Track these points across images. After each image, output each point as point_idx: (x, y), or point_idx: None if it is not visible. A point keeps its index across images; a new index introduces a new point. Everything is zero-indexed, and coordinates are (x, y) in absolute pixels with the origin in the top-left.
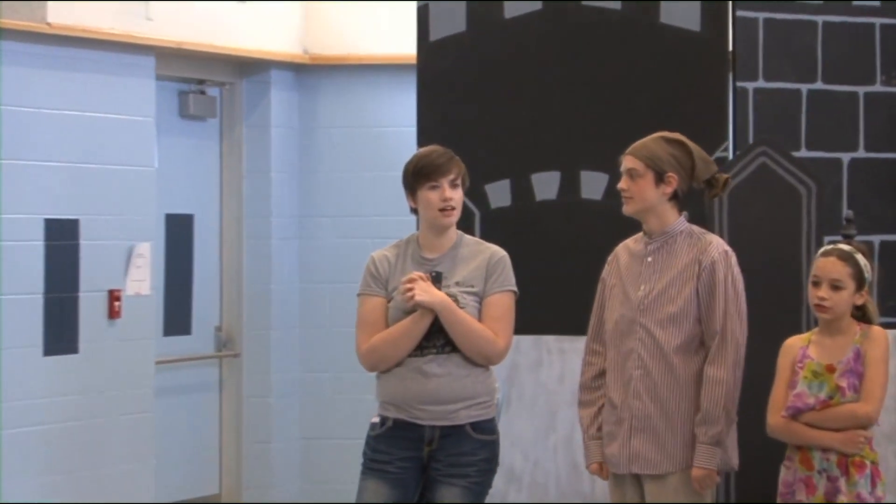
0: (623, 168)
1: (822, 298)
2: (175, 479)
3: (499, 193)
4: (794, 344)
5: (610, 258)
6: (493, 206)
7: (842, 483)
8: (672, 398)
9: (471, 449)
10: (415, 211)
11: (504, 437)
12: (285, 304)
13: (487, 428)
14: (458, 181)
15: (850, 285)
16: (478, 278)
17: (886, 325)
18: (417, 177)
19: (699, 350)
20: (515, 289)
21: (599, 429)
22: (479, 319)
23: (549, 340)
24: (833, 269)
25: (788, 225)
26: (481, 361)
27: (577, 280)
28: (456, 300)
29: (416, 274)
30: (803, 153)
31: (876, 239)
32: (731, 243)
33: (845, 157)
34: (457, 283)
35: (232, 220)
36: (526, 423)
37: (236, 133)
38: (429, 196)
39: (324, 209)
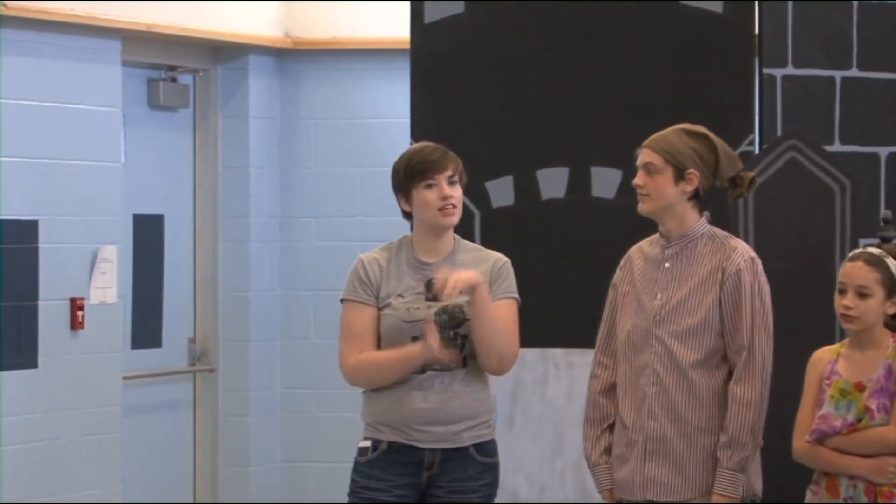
0: (639, 163)
1: (848, 307)
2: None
3: (501, 192)
4: (822, 357)
5: (622, 262)
6: (495, 206)
7: None
8: (692, 418)
9: (475, 473)
10: (408, 215)
11: (507, 460)
12: (265, 314)
13: (490, 450)
14: (456, 178)
15: (880, 293)
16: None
17: None
18: (411, 176)
19: (720, 366)
20: (518, 297)
21: (607, 451)
22: None
23: (557, 354)
24: (860, 274)
25: (820, 226)
26: (494, 368)
27: (588, 287)
28: (462, 311)
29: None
30: (836, 147)
31: None
32: (757, 247)
33: (883, 151)
34: (460, 292)
35: (206, 220)
36: (531, 445)
37: (211, 125)
38: (425, 196)
39: (307, 209)
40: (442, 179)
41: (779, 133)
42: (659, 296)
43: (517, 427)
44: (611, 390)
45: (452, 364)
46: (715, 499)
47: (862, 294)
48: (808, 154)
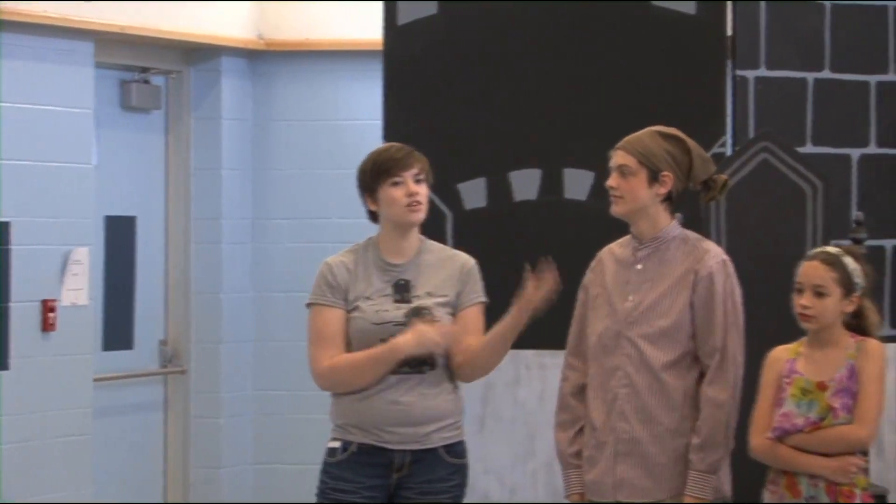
0: (613, 164)
1: (805, 307)
2: None
3: (473, 193)
4: (780, 356)
5: (593, 264)
6: (467, 208)
7: None
8: (664, 419)
9: (444, 474)
10: (373, 215)
11: (478, 462)
12: (237, 316)
13: (459, 451)
14: (423, 176)
15: (836, 291)
16: (449, 287)
17: None
18: (377, 174)
19: (692, 367)
20: (485, 299)
21: (578, 454)
22: None
23: (528, 355)
24: (816, 274)
25: (792, 228)
26: (468, 379)
27: (560, 289)
28: (431, 313)
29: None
30: (809, 149)
31: (888, 243)
32: (729, 248)
33: (855, 152)
34: (428, 294)
35: (178, 222)
36: (502, 447)
37: (183, 126)
38: (392, 193)
39: (280, 210)
40: (408, 177)
41: (751, 135)
42: (631, 297)
43: (488, 428)
44: (581, 392)
45: (446, 341)
46: (686, 500)
47: (819, 293)
48: (781, 156)
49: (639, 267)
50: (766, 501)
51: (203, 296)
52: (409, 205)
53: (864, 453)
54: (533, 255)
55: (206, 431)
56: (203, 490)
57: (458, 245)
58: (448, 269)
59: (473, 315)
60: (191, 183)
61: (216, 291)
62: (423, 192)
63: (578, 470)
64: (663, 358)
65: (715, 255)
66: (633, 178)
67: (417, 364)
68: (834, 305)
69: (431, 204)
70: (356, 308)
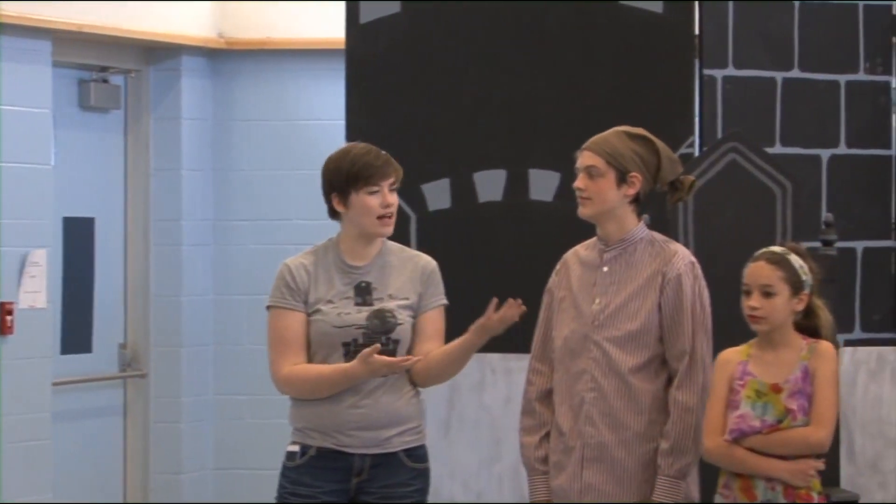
0: (580, 165)
1: (754, 308)
2: None
3: (437, 194)
4: (731, 358)
5: (558, 267)
6: (431, 209)
7: None
8: (631, 424)
9: (405, 479)
10: (335, 214)
11: (443, 466)
12: (197, 319)
13: (420, 455)
14: (396, 185)
15: (784, 290)
16: (411, 290)
17: (871, 342)
18: (354, 179)
19: (660, 371)
20: (446, 301)
21: (545, 460)
22: (415, 334)
23: (494, 359)
24: (762, 274)
25: (761, 230)
26: (425, 386)
27: (525, 291)
28: (394, 316)
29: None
30: (778, 149)
31: (858, 245)
32: (697, 250)
33: (825, 153)
34: (390, 296)
35: (138, 224)
36: (467, 451)
37: (143, 126)
38: (367, 201)
39: (241, 212)
40: (385, 186)
41: (719, 135)
42: (597, 300)
43: (453, 433)
44: (547, 397)
45: (399, 369)
46: None
47: (767, 293)
48: (749, 156)
49: (605, 269)
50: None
51: (163, 298)
52: (381, 216)
53: (820, 456)
54: (498, 256)
55: (166, 436)
56: (163, 495)
57: (421, 247)
58: (410, 271)
59: (434, 318)
60: (150, 184)
61: (176, 294)
62: (395, 202)
63: (544, 476)
64: (631, 361)
65: (683, 256)
66: (601, 179)
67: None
68: (783, 305)
69: None
70: (317, 311)
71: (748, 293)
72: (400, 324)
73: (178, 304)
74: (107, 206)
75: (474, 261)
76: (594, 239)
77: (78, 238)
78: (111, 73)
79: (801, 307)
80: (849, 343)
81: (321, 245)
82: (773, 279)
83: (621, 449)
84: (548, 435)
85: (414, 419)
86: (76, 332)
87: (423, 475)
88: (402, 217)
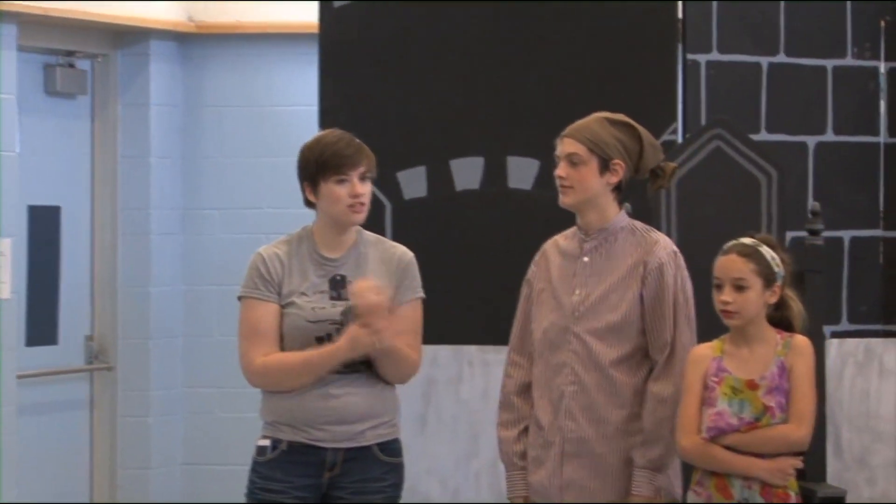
0: (561, 153)
1: (726, 302)
2: None
3: (413, 182)
4: (704, 354)
5: (537, 257)
6: (407, 197)
7: None
8: (612, 418)
9: (379, 474)
10: (311, 204)
11: (419, 462)
12: (166, 310)
13: (394, 449)
14: (368, 174)
15: (757, 283)
16: (386, 283)
17: (859, 333)
18: (322, 168)
19: (642, 364)
20: (423, 294)
21: (523, 455)
22: None
23: (471, 351)
24: (734, 267)
25: (746, 219)
26: (396, 382)
27: (504, 282)
28: None
29: (365, 291)
30: (763, 136)
31: (846, 234)
32: (680, 240)
33: (811, 140)
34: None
35: (105, 212)
36: (444, 447)
37: (110, 112)
38: (335, 191)
39: (211, 200)
40: (354, 176)
41: (703, 121)
42: (577, 291)
43: (430, 428)
44: (525, 391)
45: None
46: (631, 499)
47: (739, 287)
48: (734, 143)
49: (585, 259)
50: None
51: (131, 289)
52: (351, 205)
53: (799, 454)
54: (475, 246)
55: (133, 431)
56: (131, 491)
57: (397, 236)
58: (385, 263)
59: (409, 312)
60: (118, 171)
61: (144, 285)
62: (367, 191)
63: (523, 472)
64: (612, 354)
65: (665, 246)
66: (583, 167)
67: (353, 363)
68: (756, 298)
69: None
70: (291, 304)
71: (719, 287)
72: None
73: (147, 294)
74: (73, 195)
75: (451, 251)
76: (574, 228)
77: (43, 227)
78: (78, 57)
79: (774, 300)
80: (835, 335)
81: (295, 234)
82: (745, 272)
83: (602, 444)
84: (526, 429)
85: (388, 413)
86: (41, 323)
87: (397, 470)
88: (376, 206)
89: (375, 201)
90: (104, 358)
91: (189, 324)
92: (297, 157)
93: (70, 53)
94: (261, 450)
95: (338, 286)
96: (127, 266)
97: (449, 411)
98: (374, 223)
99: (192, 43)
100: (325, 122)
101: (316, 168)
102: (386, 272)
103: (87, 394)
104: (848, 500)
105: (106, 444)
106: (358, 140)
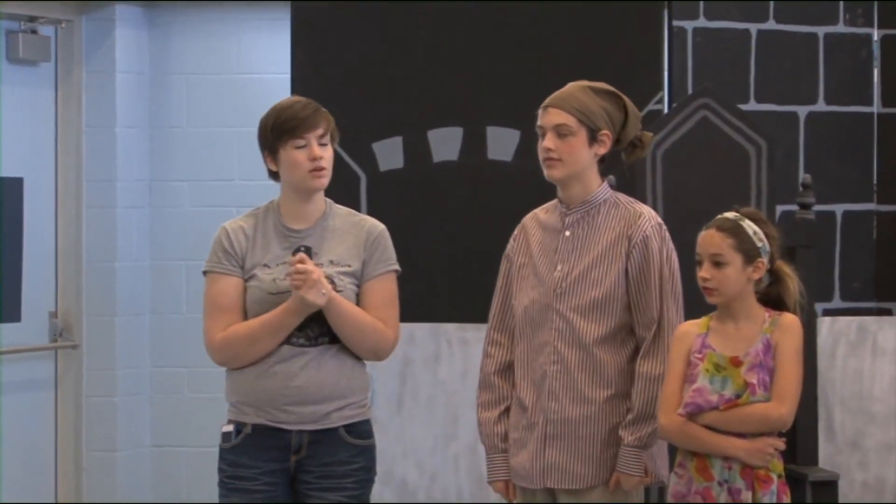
0: (546, 123)
1: (705, 279)
2: (2, 493)
3: (389, 153)
4: (689, 331)
5: (516, 232)
6: (383, 169)
7: (746, 497)
8: (597, 398)
9: (347, 456)
10: (274, 175)
11: (395, 445)
12: (133, 286)
13: (363, 431)
14: (327, 138)
15: (736, 260)
16: (354, 256)
17: (851, 311)
18: (279, 134)
19: (627, 341)
20: (398, 267)
21: (505, 437)
22: (361, 304)
23: (450, 329)
24: (712, 242)
25: (734, 192)
26: (370, 358)
27: (483, 257)
28: (332, 283)
29: (302, 260)
30: (752, 106)
31: (838, 208)
32: (666, 213)
33: (802, 110)
34: (331, 262)
35: (69, 184)
36: (422, 429)
37: (74, 80)
38: (294, 156)
39: (179, 172)
40: (312, 139)
41: (690, 91)
42: (559, 267)
43: (406, 409)
44: (506, 370)
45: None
46: (620, 478)
47: (717, 263)
48: (722, 113)
49: (567, 234)
50: (672, 487)
51: (96, 264)
52: (311, 170)
53: (781, 435)
54: (453, 220)
55: (99, 411)
56: (97, 474)
57: (372, 209)
58: (354, 236)
59: (381, 286)
60: (82, 142)
61: (110, 260)
62: (327, 155)
63: (504, 454)
64: (595, 332)
65: (649, 218)
66: (572, 138)
67: (315, 336)
68: (736, 275)
69: (344, 165)
70: (253, 276)
71: (700, 263)
72: (339, 291)
73: (113, 270)
74: (36, 166)
75: (428, 224)
76: (554, 201)
77: (5, 199)
78: (40, 23)
79: (757, 276)
80: (827, 313)
81: (262, 207)
82: (724, 248)
83: (586, 425)
84: (507, 410)
85: (356, 393)
86: (4, 300)
87: (367, 452)
88: (351, 178)
89: (350, 173)
90: (68, 336)
91: (156, 300)
92: (258, 130)
93: (33, 19)
94: (225, 436)
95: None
96: (92, 240)
97: (426, 392)
98: (348, 196)
99: (160, 8)
100: (296, 90)
101: (273, 135)
102: (354, 244)
103: (52, 373)
104: (841, 484)
105: (70, 426)
106: (316, 103)
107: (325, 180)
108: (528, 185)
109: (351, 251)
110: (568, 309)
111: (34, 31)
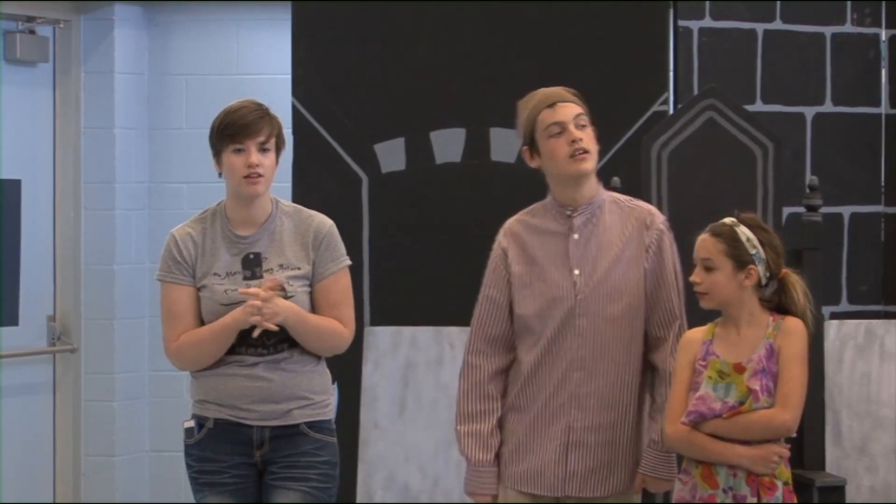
0: (566, 117)
1: (696, 283)
2: (1, 497)
3: (391, 155)
4: (695, 338)
5: (503, 239)
6: (385, 171)
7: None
8: (623, 405)
9: (310, 449)
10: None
11: (398, 450)
12: (132, 289)
13: (325, 428)
14: (270, 144)
15: (726, 265)
16: (303, 258)
17: (859, 314)
18: (221, 137)
19: (640, 343)
20: (349, 261)
21: (496, 450)
22: (315, 304)
23: (452, 333)
24: (703, 247)
25: (740, 193)
26: (328, 355)
27: (485, 259)
28: (283, 289)
29: (256, 292)
30: (758, 107)
31: (845, 210)
32: (672, 215)
33: (809, 111)
34: (281, 266)
35: (67, 186)
36: (424, 433)
37: (73, 81)
38: (232, 160)
39: (178, 174)
40: (251, 145)
41: (695, 91)
42: (576, 272)
43: (409, 413)
44: (494, 380)
45: (276, 287)
46: (656, 484)
47: (707, 268)
48: (728, 114)
49: (576, 237)
50: (676, 493)
51: (94, 267)
52: (246, 176)
53: (788, 441)
54: (456, 222)
55: (98, 415)
56: (96, 479)
57: (374, 212)
58: (301, 237)
59: (334, 285)
60: (81, 143)
61: (109, 263)
62: (266, 162)
63: (495, 468)
64: (619, 335)
65: (657, 215)
66: (590, 129)
67: (273, 343)
68: (725, 280)
69: (345, 167)
70: (204, 287)
71: (695, 267)
72: (290, 296)
73: (111, 273)
74: (34, 168)
75: (431, 227)
76: (539, 206)
77: (3, 201)
78: (38, 23)
79: (749, 283)
80: (835, 316)
81: (210, 210)
82: (714, 253)
83: (613, 431)
84: (498, 421)
85: (317, 395)
86: (2, 303)
87: (330, 448)
88: (353, 179)
89: (352, 175)
90: (67, 339)
91: (155, 303)
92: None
93: (31, 19)
94: (188, 432)
95: (251, 265)
96: (90, 243)
97: (429, 395)
98: (350, 198)
99: (159, 8)
100: (297, 91)
101: (217, 137)
102: (302, 246)
103: (50, 377)
104: (848, 489)
105: (69, 430)
106: (266, 107)
107: (261, 187)
108: (531, 186)
109: (298, 254)
110: (593, 314)
111: (32, 32)
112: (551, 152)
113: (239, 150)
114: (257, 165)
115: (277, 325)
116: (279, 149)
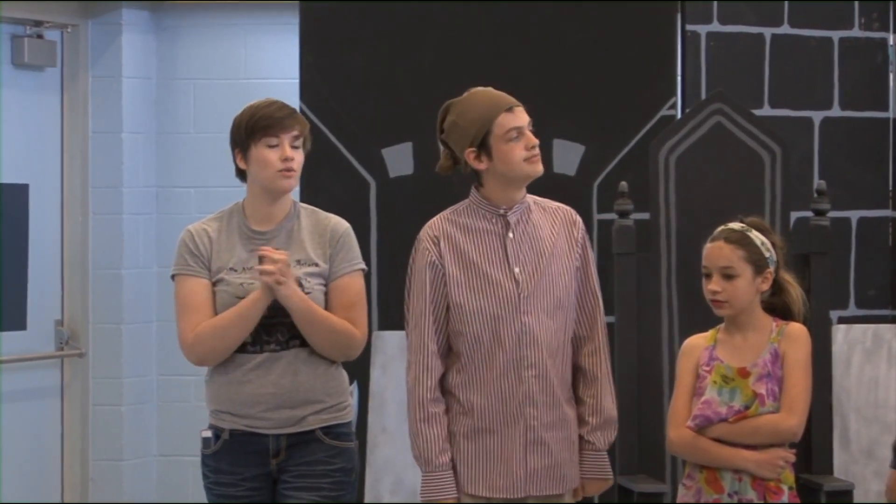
0: (523, 122)
1: (715, 292)
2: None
3: (399, 159)
4: (697, 344)
5: (432, 242)
6: (393, 175)
7: None
8: (566, 401)
9: (325, 456)
10: (241, 174)
11: (405, 453)
12: (139, 293)
13: (342, 433)
14: (300, 141)
15: (747, 271)
16: (321, 256)
17: (866, 319)
18: (252, 131)
19: (571, 341)
20: (364, 266)
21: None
22: (328, 305)
23: None
24: (721, 255)
25: (748, 198)
26: (339, 359)
27: None
28: (300, 285)
29: (270, 251)
30: (766, 111)
31: (853, 215)
32: (679, 219)
33: (817, 115)
34: (298, 262)
35: (75, 191)
36: None
37: (80, 85)
38: (266, 155)
39: (186, 178)
40: (285, 140)
41: (703, 96)
42: (517, 270)
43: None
44: (443, 382)
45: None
46: (594, 486)
47: (727, 276)
48: (735, 119)
49: (511, 236)
50: (680, 497)
51: (102, 272)
52: (281, 170)
53: (793, 445)
54: None
55: (106, 420)
56: (103, 484)
57: (382, 216)
58: (319, 235)
59: (347, 285)
60: (89, 147)
61: (117, 267)
62: (298, 158)
63: (452, 471)
64: (560, 332)
65: (577, 216)
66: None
67: (286, 339)
68: (746, 286)
69: (353, 171)
70: (220, 281)
71: (708, 276)
72: (308, 292)
73: (119, 277)
74: (42, 172)
75: None
76: (463, 206)
77: (11, 206)
78: (46, 27)
79: (766, 286)
80: (843, 320)
81: (227, 209)
82: (734, 260)
83: (563, 429)
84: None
85: (333, 397)
86: (9, 307)
87: (347, 454)
88: (361, 184)
89: (360, 179)
90: (75, 343)
91: (163, 308)
92: (231, 128)
93: (38, 24)
94: (205, 441)
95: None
96: (98, 247)
97: None
98: (358, 202)
99: (166, 12)
100: (305, 95)
101: (247, 132)
102: (319, 244)
103: (57, 381)
104: (856, 494)
105: (77, 435)
106: (292, 107)
107: (294, 182)
108: (534, 189)
109: (316, 251)
110: (538, 311)
111: (40, 36)
112: (507, 155)
113: (273, 145)
114: (292, 159)
115: (288, 321)
116: (306, 149)
